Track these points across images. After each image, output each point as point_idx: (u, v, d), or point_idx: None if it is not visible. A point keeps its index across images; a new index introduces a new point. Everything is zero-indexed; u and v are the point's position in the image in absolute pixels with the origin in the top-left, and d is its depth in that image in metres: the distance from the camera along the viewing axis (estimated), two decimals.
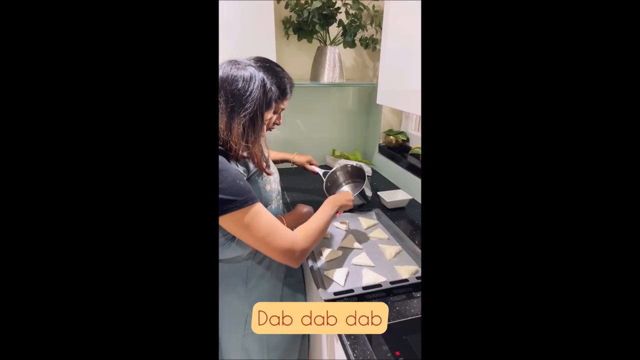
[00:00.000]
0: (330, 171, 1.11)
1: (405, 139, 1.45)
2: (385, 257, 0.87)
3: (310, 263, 0.83)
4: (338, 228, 1.02)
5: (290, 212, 0.86)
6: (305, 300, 0.96)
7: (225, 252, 0.72)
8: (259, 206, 0.63)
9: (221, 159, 0.61)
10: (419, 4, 0.71)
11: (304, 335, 0.97)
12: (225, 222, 0.61)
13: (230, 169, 0.61)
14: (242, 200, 0.60)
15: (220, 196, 0.58)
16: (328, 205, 0.80)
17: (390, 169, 1.43)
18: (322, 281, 0.77)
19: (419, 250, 0.86)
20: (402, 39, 0.86)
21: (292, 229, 0.83)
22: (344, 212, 1.09)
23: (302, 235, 0.68)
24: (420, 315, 0.66)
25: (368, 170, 1.42)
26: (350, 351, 0.58)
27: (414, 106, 0.82)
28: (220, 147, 0.66)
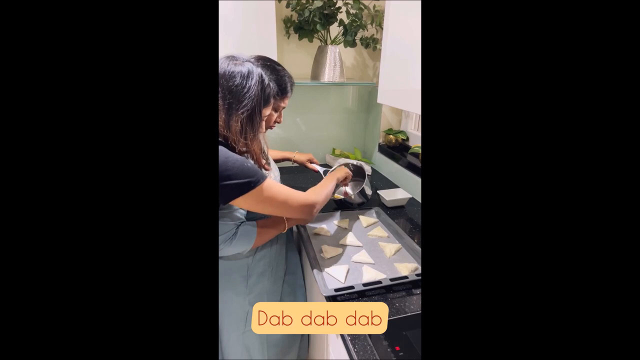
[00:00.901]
0: (331, 169, 1.12)
1: (404, 138, 1.46)
2: (385, 255, 0.88)
3: (310, 259, 0.83)
4: (338, 226, 1.02)
5: None
6: (305, 298, 0.97)
7: (226, 250, 0.72)
8: (269, 179, 0.67)
9: (224, 149, 0.62)
10: (419, 4, 0.72)
11: None
12: (247, 201, 0.65)
13: (235, 155, 0.63)
14: (256, 179, 0.63)
15: (235, 181, 0.61)
16: (329, 177, 0.90)
17: (390, 168, 1.44)
18: (323, 278, 0.77)
19: (418, 248, 0.87)
20: (402, 39, 0.87)
21: (292, 225, 0.84)
22: (344, 210, 1.10)
23: (312, 192, 0.79)
24: (419, 312, 0.67)
25: (368, 169, 1.43)
26: (350, 346, 0.59)
27: (414, 105, 0.82)
28: (221, 141, 0.66)
